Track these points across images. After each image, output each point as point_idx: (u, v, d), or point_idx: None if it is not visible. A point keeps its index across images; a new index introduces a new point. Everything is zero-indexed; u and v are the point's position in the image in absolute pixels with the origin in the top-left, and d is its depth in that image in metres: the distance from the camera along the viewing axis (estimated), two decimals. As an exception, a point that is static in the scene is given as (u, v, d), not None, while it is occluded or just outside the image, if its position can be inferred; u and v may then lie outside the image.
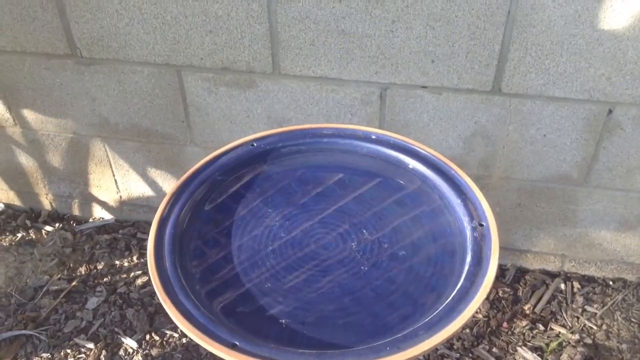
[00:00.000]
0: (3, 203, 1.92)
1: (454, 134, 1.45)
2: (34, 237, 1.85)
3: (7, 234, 1.86)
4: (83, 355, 1.54)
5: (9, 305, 1.66)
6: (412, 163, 1.00)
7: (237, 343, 0.74)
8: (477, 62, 1.30)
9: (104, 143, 1.69)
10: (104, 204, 1.87)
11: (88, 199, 1.87)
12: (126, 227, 1.89)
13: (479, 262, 0.83)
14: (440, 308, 0.78)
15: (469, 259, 0.83)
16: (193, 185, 0.92)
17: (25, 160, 1.79)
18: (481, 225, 0.87)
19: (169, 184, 1.76)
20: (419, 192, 0.97)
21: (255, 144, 1.02)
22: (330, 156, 1.04)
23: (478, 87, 1.34)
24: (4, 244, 1.82)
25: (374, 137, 1.04)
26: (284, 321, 0.79)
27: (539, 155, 1.45)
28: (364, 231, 0.91)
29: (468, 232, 0.87)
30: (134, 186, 1.79)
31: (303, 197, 0.97)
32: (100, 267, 1.76)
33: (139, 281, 1.72)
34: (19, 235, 1.85)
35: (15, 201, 1.93)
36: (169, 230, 0.86)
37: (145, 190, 1.79)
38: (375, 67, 1.36)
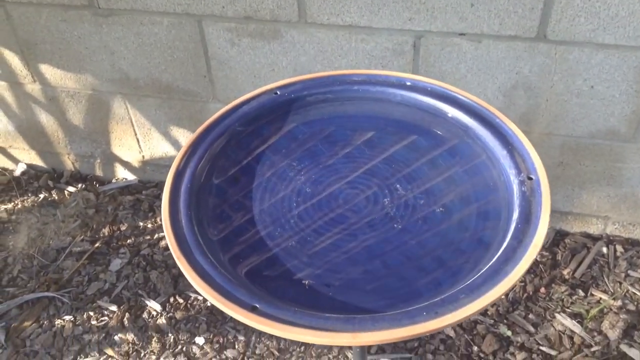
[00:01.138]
0: (25, 163, 1.87)
1: (493, 87, 1.34)
2: (56, 198, 1.80)
3: (29, 194, 1.81)
4: (106, 317, 1.49)
5: (31, 267, 1.62)
6: (452, 112, 0.89)
7: (258, 305, 0.66)
8: (521, 5, 1.17)
9: (125, 100, 1.62)
10: (126, 164, 1.80)
11: (110, 159, 1.80)
12: (149, 188, 1.82)
13: (528, 219, 0.73)
14: (484, 269, 0.69)
15: (516, 215, 0.74)
16: (211, 136, 0.84)
17: (46, 118, 1.73)
18: (530, 178, 0.77)
19: (192, 143, 1.68)
20: (460, 143, 0.87)
21: (278, 92, 0.92)
22: (360, 106, 0.94)
23: (521, 34, 1.22)
24: (26, 205, 1.77)
25: (408, 83, 0.93)
26: (307, 282, 0.71)
27: (585, 109, 1.33)
28: (398, 187, 0.81)
29: (515, 187, 0.77)
30: (156, 145, 1.72)
31: (330, 157, 0.88)
32: (123, 228, 1.70)
33: (163, 243, 1.65)
34: (41, 196, 1.80)
35: (37, 161, 1.87)
36: (185, 184, 0.78)
37: (168, 150, 1.72)
38: (409, 13, 1.24)
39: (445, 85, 0.92)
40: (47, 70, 1.59)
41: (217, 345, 1.42)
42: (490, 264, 0.69)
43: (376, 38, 1.30)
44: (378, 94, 0.93)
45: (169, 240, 0.73)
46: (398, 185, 0.81)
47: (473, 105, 0.88)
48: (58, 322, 1.49)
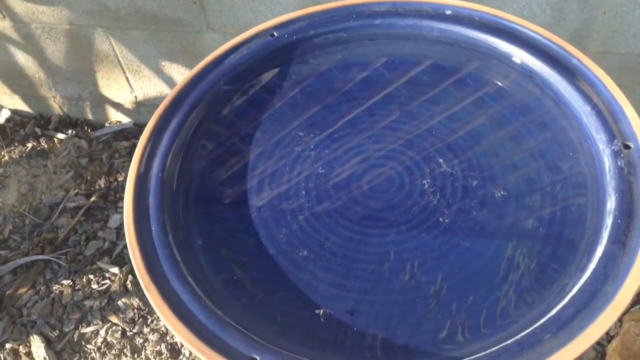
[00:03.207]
0: (9, 109, 1.66)
1: None
2: (45, 146, 1.59)
3: (16, 144, 1.60)
4: (107, 281, 1.32)
5: (23, 227, 1.44)
6: (511, 50, 0.65)
7: (257, 358, 0.46)
8: None
9: (107, 34, 1.37)
10: (118, 106, 1.58)
11: (100, 101, 1.58)
12: (147, 131, 1.60)
13: (630, 210, 0.51)
14: (573, 291, 0.48)
15: (611, 205, 0.52)
16: (187, 104, 0.61)
17: (23, 58, 1.49)
18: (627, 147, 0.55)
19: (188, 80, 1.45)
20: (524, 96, 0.63)
21: (275, 34, 0.68)
22: (384, 47, 0.70)
23: None
24: (14, 156, 1.58)
25: (448, 12, 0.68)
26: (321, 312, 0.51)
27: (653, 22, 1.07)
28: (440, 161, 0.59)
29: (606, 160, 0.54)
30: (148, 84, 1.49)
31: (346, 128, 0.65)
32: (120, 179, 1.50)
33: (165, 193, 1.46)
34: (29, 145, 1.59)
35: (22, 107, 1.66)
36: (155, 178, 0.57)
37: (162, 89, 1.49)
38: None
39: (498, 12, 0.67)
40: (16, 4, 1.34)
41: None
42: (582, 282, 0.48)
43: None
44: (408, 29, 0.69)
45: (133, 257, 0.52)
46: (440, 160, 0.59)
47: (539, 40, 0.64)
48: (56, 287, 1.33)
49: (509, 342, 0.45)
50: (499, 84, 0.64)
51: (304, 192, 0.58)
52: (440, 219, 0.55)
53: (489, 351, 0.45)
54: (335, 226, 0.56)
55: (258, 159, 0.61)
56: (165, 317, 0.48)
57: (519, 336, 0.45)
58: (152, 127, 0.59)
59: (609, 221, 0.50)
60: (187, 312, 0.48)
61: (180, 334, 0.47)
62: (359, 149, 0.61)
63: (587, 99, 0.57)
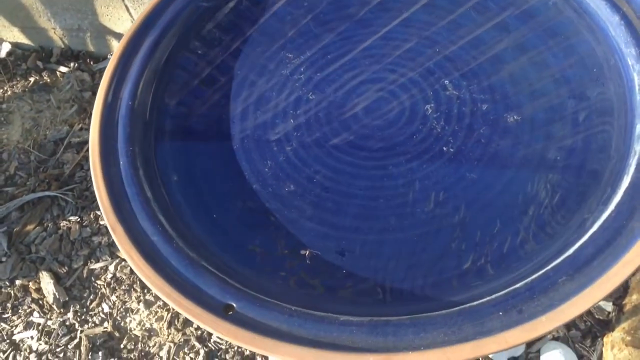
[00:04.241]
0: (10, 43, 1.59)
1: None
2: (48, 80, 1.53)
3: (19, 78, 1.54)
4: (114, 217, 1.29)
5: (28, 163, 1.40)
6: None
7: (234, 304, 0.41)
8: None
9: (102, -41, 1.28)
10: (120, 37, 1.50)
11: (101, 32, 1.50)
12: (152, 62, 1.53)
13: (664, 134, 0.43)
14: (594, 228, 0.41)
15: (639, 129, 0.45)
16: (160, 25, 0.54)
17: (18, -12, 1.42)
18: (662, 62, 0.47)
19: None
20: (541, 5, 0.55)
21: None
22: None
23: None
24: (17, 91, 1.52)
25: None
26: (307, 252, 0.45)
27: None
28: (446, 83, 0.52)
29: (637, 78, 0.47)
30: (149, 12, 1.40)
31: (340, 42, 0.57)
32: (125, 112, 1.45)
33: (171, 127, 1.40)
34: (32, 79, 1.53)
35: (23, 39, 1.59)
36: (124, 105, 0.50)
37: (164, 17, 1.40)
38: None
39: None
40: None
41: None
42: (605, 217, 0.41)
43: None
44: None
45: (98, 194, 0.47)
46: (446, 81, 0.52)
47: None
48: (63, 223, 1.30)
49: (518, 285, 0.39)
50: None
51: (292, 120, 0.51)
52: (445, 149, 0.48)
53: (493, 297, 0.39)
54: (327, 157, 0.49)
55: (242, 84, 0.54)
56: (133, 260, 0.43)
57: (528, 279, 0.39)
58: (122, 51, 0.53)
59: (637, 147, 0.43)
60: (157, 255, 0.43)
61: (148, 279, 0.42)
62: (355, 73, 0.54)
63: (615, 8, 0.49)
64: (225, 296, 0.41)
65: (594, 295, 0.37)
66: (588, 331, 1.04)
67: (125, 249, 0.43)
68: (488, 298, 0.39)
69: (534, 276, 0.39)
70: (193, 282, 0.41)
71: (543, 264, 0.40)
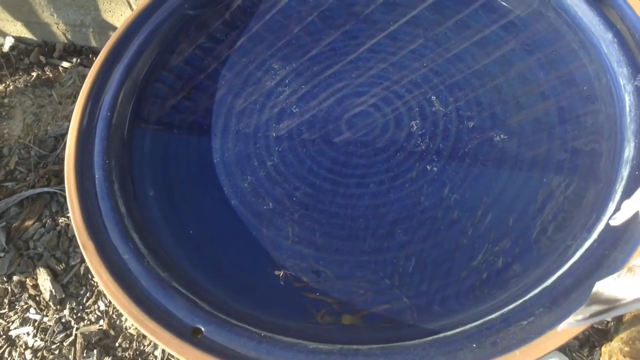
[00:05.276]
0: (13, 37, 1.58)
1: None
2: (50, 75, 1.52)
3: (21, 73, 1.54)
4: (112, 214, 1.28)
5: (28, 159, 1.40)
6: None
7: (202, 328, 0.40)
8: None
9: (103, -45, 1.27)
10: (122, 33, 1.49)
11: (104, 28, 1.49)
12: (154, 59, 1.52)
13: (653, 160, 0.42)
14: (579, 252, 0.40)
15: (629, 152, 0.43)
16: (143, 33, 0.52)
17: (21, -18, 1.41)
18: (655, 83, 0.45)
19: None
20: (528, 17, 0.53)
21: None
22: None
23: None
24: (19, 85, 1.52)
25: None
26: (281, 273, 0.44)
27: None
28: (433, 99, 0.50)
29: (627, 98, 0.45)
30: (151, 9, 1.39)
31: (325, 52, 0.56)
32: (126, 109, 1.44)
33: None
34: (34, 74, 1.53)
35: (26, 34, 1.58)
36: (102, 120, 0.49)
37: (165, 14, 1.39)
38: None
39: None
40: None
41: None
42: (587, 245, 0.40)
43: None
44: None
45: (71, 208, 0.46)
46: (433, 98, 0.50)
47: (557, -48, 0.52)
48: (62, 220, 1.30)
49: (493, 315, 0.38)
50: (508, 7, 0.53)
51: (272, 134, 0.50)
52: (428, 167, 0.46)
53: (468, 326, 0.37)
54: (308, 174, 0.48)
55: (225, 96, 0.52)
56: (101, 279, 0.41)
57: (505, 310, 0.38)
58: (102, 61, 0.51)
59: (625, 172, 0.41)
60: (127, 274, 0.42)
61: (115, 298, 0.40)
62: (339, 87, 0.52)
63: (609, 25, 0.47)
64: (194, 319, 0.39)
65: (570, 330, 0.36)
66: (586, 340, 1.02)
67: (95, 267, 0.42)
68: (462, 328, 0.37)
69: (510, 306, 0.38)
70: (161, 304, 0.40)
71: (521, 293, 0.39)
